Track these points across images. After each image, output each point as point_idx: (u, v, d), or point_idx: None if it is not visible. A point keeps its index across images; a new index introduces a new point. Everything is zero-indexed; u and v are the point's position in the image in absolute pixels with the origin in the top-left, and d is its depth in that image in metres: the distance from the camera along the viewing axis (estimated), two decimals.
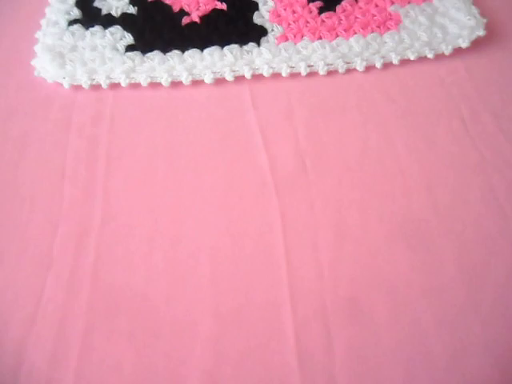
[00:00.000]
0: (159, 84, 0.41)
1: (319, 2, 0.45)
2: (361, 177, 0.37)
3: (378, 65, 0.42)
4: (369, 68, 0.42)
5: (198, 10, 0.45)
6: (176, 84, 0.41)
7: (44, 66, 0.42)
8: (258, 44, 0.42)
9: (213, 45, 0.42)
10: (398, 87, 0.41)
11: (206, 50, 0.42)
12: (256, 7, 0.45)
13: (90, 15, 0.45)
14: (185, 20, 0.44)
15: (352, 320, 0.31)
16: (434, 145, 0.38)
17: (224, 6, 0.45)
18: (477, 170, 0.37)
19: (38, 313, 0.31)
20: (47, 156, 0.38)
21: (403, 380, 0.29)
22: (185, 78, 0.41)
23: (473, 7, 0.44)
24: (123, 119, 0.40)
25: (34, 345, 0.31)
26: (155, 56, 0.42)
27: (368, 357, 0.30)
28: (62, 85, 0.41)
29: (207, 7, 0.45)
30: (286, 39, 0.43)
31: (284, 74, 0.41)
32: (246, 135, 0.39)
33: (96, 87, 0.41)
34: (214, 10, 0.45)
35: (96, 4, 0.46)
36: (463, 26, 0.43)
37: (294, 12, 0.44)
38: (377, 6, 0.45)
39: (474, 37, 0.42)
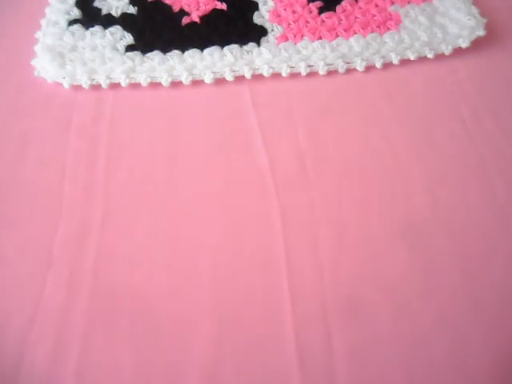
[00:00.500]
0: (159, 84, 0.41)
1: (319, 1, 0.45)
2: (361, 177, 0.37)
3: (378, 65, 0.42)
4: (369, 68, 0.42)
5: (198, 9, 0.45)
6: (176, 84, 0.41)
7: (44, 66, 0.42)
8: (258, 44, 0.42)
9: (213, 45, 0.42)
10: (398, 87, 0.41)
11: (206, 50, 0.42)
12: (256, 7, 0.45)
13: (89, 15, 0.45)
14: (185, 20, 0.44)
15: (352, 320, 0.31)
16: (434, 145, 0.38)
17: (224, 6, 0.45)
18: (477, 169, 0.37)
19: (38, 312, 0.31)
20: (47, 156, 0.38)
21: (403, 380, 0.29)
22: (185, 78, 0.41)
23: (473, 7, 0.44)
24: (123, 119, 0.40)
25: (33, 344, 0.31)
26: (155, 56, 0.42)
27: (368, 357, 0.30)
28: (62, 85, 0.41)
29: (207, 7, 0.45)
30: (286, 39, 0.43)
31: (284, 74, 0.41)
32: (246, 135, 0.39)
33: (96, 87, 0.41)
34: (214, 10, 0.45)
35: (96, 4, 0.46)
36: (463, 26, 0.43)
37: (294, 12, 0.44)
38: (377, 5, 0.45)
39: (473, 37, 0.42)
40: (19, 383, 0.30)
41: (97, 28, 0.44)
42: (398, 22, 0.43)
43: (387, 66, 0.42)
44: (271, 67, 0.41)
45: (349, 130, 0.39)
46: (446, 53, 0.42)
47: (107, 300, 0.32)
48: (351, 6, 0.45)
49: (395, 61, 0.42)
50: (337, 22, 0.43)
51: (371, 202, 0.35)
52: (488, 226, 0.34)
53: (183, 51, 0.42)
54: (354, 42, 0.42)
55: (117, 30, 0.44)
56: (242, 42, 0.42)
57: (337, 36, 0.43)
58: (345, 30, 0.43)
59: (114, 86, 0.41)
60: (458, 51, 0.43)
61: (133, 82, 0.41)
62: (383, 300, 0.31)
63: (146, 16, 0.45)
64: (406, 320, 0.31)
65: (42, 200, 0.36)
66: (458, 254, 0.33)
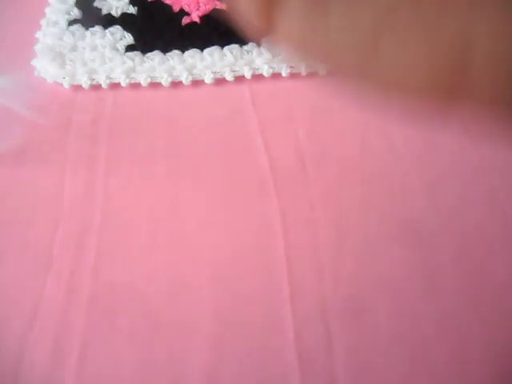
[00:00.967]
0: (159, 84, 0.41)
1: None
2: (361, 177, 0.37)
3: None
4: None
5: (198, 10, 0.45)
6: (176, 84, 0.41)
7: (44, 66, 0.42)
8: (258, 44, 0.42)
9: (213, 45, 0.42)
10: None
11: (206, 50, 0.42)
12: None
13: (90, 15, 0.45)
14: (185, 20, 0.44)
15: (352, 320, 0.31)
16: (434, 145, 0.38)
17: (224, 6, 0.45)
18: (477, 169, 0.37)
19: (38, 312, 0.31)
20: (47, 156, 0.38)
21: (403, 380, 0.29)
22: (185, 78, 0.41)
23: None
24: (123, 119, 0.40)
25: (33, 344, 0.31)
26: (155, 56, 0.42)
27: (368, 357, 0.30)
28: (62, 85, 0.41)
29: (207, 7, 0.45)
30: None
31: (284, 74, 0.41)
32: (246, 135, 0.39)
33: (96, 87, 0.41)
34: (214, 10, 0.45)
35: (96, 4, 0.46)
36: None
37: None
38: None
39: None
40: (19, 383, 0.30)
41: (97, 28, 0.44)
42: None
43: None
44: (271, 67, 0.41)
45: (349, 129, 0.39)
46: None
47: (107, 300, 0.32)
48: None
49: None
50: None
51: (371, 202, 0.35)
52: (488, 226, 0.34)
53: (183, 51, 0.42)
54: None
55: (117, 30, 0.44)
56: (242, 42, 0.42)
57: None
58: None
59: (114, 85, 0.41)
60: None
61: (133, 82, 0.41)
62: (383, 300, 0.31)
63: (146, 16, 0.45)
64: (406, 320, 0.31)
65: (42, 200, 0.36)
66: (458, 253, 0.33)
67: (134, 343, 0.31)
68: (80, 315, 0.31)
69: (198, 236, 0.34)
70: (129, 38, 0.43)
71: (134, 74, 0.41)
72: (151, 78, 0.41)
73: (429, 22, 0.14)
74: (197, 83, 0.42)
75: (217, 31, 0.43)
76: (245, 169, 0.37)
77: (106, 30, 0.44)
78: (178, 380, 0.30)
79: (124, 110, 0.41)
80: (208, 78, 0.41)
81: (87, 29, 0.44)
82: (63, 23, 0.44)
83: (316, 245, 0.34)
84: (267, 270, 0.33)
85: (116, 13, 0.45)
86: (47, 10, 0.46)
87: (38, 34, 0.44)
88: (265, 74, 0.41)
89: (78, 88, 0.41)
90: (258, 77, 0.42)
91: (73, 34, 0.43)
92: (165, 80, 0.41)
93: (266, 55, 0.42)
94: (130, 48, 0.42)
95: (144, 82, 0.41)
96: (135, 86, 0.41)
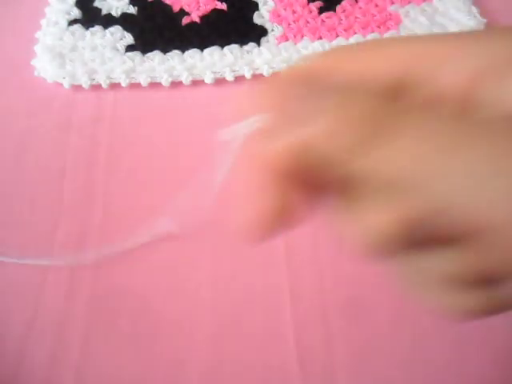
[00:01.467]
0: (159, 84, 0.41)
1: (319, 1, 0.45)
2: None
3: None
4: None
5: (198, 10, 0.45)
6: (176, 84, 0.41)
7: (44, 66, 0.42)
8: (258, 44, 0.42)
9: (213, 45, 0.42)
10: None
11: (206, 50, 0.42)
12: (256, 7, 0.45)
13: (90, 15, 0.45)
14: (185, 20, 0.44)
15: (352, 320, 0.31)
16: None
17: (224, 6, 0.45)
18: None
19: (38, 313, 0.31)
20: (47, 156, 0.38)
21: (403, 379, 0.29)
22: (185, 78, 0.41)
23: (473, 7, 0.44)
24: (123, 119, 0.40)
25: (34, 345, 0.31)
26: (155, 56, 0.42)
27: (368, 357, 0.30)
28: (62, 85, 0.41)
29: (207, 7, 0.45)
30: (286, 39, 0.43)
31: None
32: None
33: (96, 87, 0.41)
34: (214, 10, 0.45)
35: (96, 4, 0.46)
36: (463, 26, 0.43)
37: (294, 12, 0.44)
38: (377, 5, 0.45)
39: None
40: (19, 383, 0.30)
41: (97, 28, 0.44)
42: (398, 22, 0.43)
43: None
44: (271, 67, 0.41)
45: None
46: None
47: (107, 300, 0.32)
48: (351, 5, 0.45)
49: None
50: (337, 22, 0.43)
51: None
52: None
53: (183, 51, 0.42)
54: (354, 42, 0.42)
55: (117, 29, 0.44)
56: (242, 42, 0.42)
57: (337, 36, 0.43)
58: (345, 30, 0.43)
59: (114, 85, 0.41)
60: None
61: (133, 82, 0.41)
62: (383, 300, 0.31)
63: (146, 16, 0.45)
64: (406, 320, 0.31)
65: (42, 200, 0.36)
66: None
67: (134, 343, 0.30)
68: (80, 315, 0.31)
69: (198, 235, 0.34)
70: (129, 38, 0.43)
71: (133, 73, 0.41)
72: (151, 78, 0.41)
73: None
74: (197, 83, 0.42)
75: (217, 31, 0.43)
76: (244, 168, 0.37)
77: (106, 30, 0.43)
78: (178, 380, 0.30)
79: (124, 110, 0.41)
80: (208, 78, 0.41)
81: (87, 29, 0.44)
82: (63, 23, 0.44)
83: (316, 245, 0.34)
84: (267, 270, 0.33)
85: (116, 13, 0.45)
86: (47, 10, 0.46)
87: (38, 34, 0.44)
88: (265, 73, 0.41)
89: (77, 88, 0.41)
90: (258, 77, 0.42)
91: (73, 34, 0.43)
92: (165, 80, 0.41)
93: (266, 55, 0.42)
94: (129, 48, 0.42)
95: (144, 82, 0.41)
96: (135, 85, 0.41)
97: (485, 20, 0.43)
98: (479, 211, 0.14)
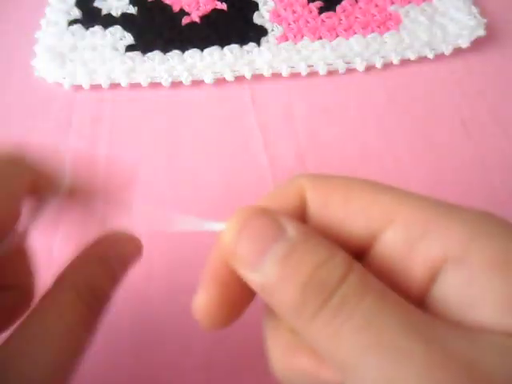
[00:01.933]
0: (159, 84, 0.41)
1: (319, 1, 0.45)
2: (361, 176, 0.36)
3: (378, 65, 0.42)
4: (369, 68, 0.42)
5: (198, 10, 0.45)
6: (176, 84, 0.41)
7: (44, 66, 0.42)
8: (258, 44, 0.42)
9: (213, 45, 0.42)
10: (398, 87, 0.41)
11: (206, 50, 0.42)
12: (256, 7, 0.45)
13: (89, 15, 0.45)
14: (185, 20, 0.44)
15: None
16: (434, 145, 0.38)
17: (224, 6, 0.45)
18: (477, 170, 0.37)
19: None
20: (47, 156, 0.38)
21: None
22: (185, 78, 0.41)
23: (473, 7, 0.44)
24: (123, 119, 0.40)
25: None
26: (155, 56, 0.42)
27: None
28: (62, 85, 0.41)
29: (207, 7, 0.45)
30: (286, 39, 0.43)
31: (284, 74, 0.41)
32: (246, 135, 0.39)
33: (96, 87, 0.41)
34: (214, 10, 0.45)
35: (96, 4, 0.46)
36: (463, 26, 0.43)
37: (294, 12, 0.44)
38: (377, 5, 0.45)
39: (473, 37, 0.42)
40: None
41: (97, 28, 0.44)
42: (398, 22, 0.43)
43: (387, 65, 0.42)
44: (271, 67, 0.41)
45: (349, 129, 0.39)
46: (446, 53, 0.42)
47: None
48: (351, 5, 0.45)
49: (395, 61, 0.42)
50: (337, 22, 0.43)
51: None
52: None
53: (183, 51, 0.42)
54: (354, 42, 0.42)
55: (117, 29, 0.44)
56: (242, 41, 0.42)
57: (337, 36, 0.43)
58: (345, 30, 0.43)
59: (114, 86, 0.41)
60: (457, 51, 0.43)
61: (133, 82, 0.41)
62: None
63: (146, 16, 0.45)
64: None
65: None
66: None
67: (134, 343, 0.30)
68: None
69: (197, 237, 0.34)
70: (129, 38, 0.43)
71: (133, 73, 0.41)
72: (151, 78, 0.41)
73: None
74: (197, 83, 0.42)
75: (217, 31, 0.43)
76: (245, 168, 0.37)
77: (106, 30, 0.43)
78: (178, 380, 0.30)
79: (124, 109, 0.41)
80: (208, 78, 0.41)
81: (87, 29, 0.44)
82: (63, 23, 0.44)
83: None
84: None
85: (116, 13, 0.45)
86: (47, 10, 0.46)
87: (38, 34, 0.44)
88: (265, 73, 0.41)
89: (78, 88, 0.41)
90: (258, 77, 0.42)
91: (73, 34, 0.43)
92: (165, 80, 0.41)
93: (266, 55, 0.42)
94: (129, 48, 0.42)
95: (144, 82, 0.41)
96: (135, 85, 0.41)
97: (485, 20, 0.43)
98: None
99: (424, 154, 0.37)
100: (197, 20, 0.44)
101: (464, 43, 0.42)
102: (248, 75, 0.41)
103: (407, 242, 0.17)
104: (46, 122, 0.40)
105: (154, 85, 0.41)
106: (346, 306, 0.15)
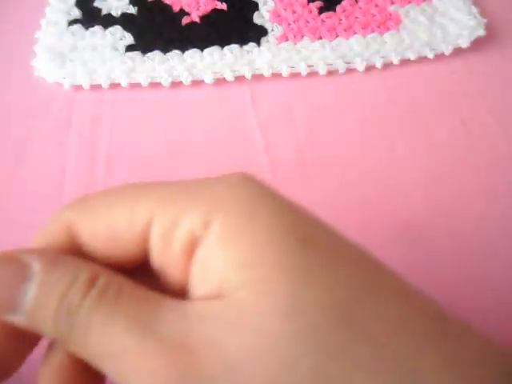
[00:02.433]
0: (159, 84, 0.41)
1: (319, 1, 0.45)
2: (361, 177, 0.37)
3: (378, 65, 0.42)
4: (369, 68, 0.42)
5: (198, 10, 0.45)
6: (176, 84, 0.41)
7: (44, 66, 0.42)
8: (258, 44, 0.42)
9: (213, 45, 0.42)
10: (398, 87, 0.41)
11: (206, 50, 0.42)
12: (256, 7, 0.45)
13: (90, 15, 0.45)
14: (185, 20, 0.44)
15: None
16: (434, 145, 0.38)
17: (224, 6, 0.45)
18: (477, 170, 0.37)
19: None
20: (47, 156, 0.38)
21: None
22: (185, 78, 0.41)
23: (473, 7, 0.44)
24: (123, 119, 0.40)
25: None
26: (155, 56, 0.42)
27: None
28: (62, 85, 0.41)
29: (207, 7, 0.45)
30: (286, 39, 0.43)
31: (284, 74, 0.41)
32: (246, 135, 0.39)
33: (96, 87, 0.41)
34: (214, 10, 0.45)
35: (96, 4, 0.46)
36: (463, 26, 0.43)
37: (294, 12, 0.44)
38: (377, 5, 0.45)
39: (473, 37, 0.42)
40: (20, 382, 0.30)
41: (97, 28, 0.44)
42: (398, 22, 0.43)
43: (387, 65, 0.42)
44: (271, 67, 0.41)
45: (349, 129, 0.39)
46: (446, 53, 0.42)
47: None
48: (351, 5, 0.45)
49: (395, 61, 0.42)
50: (337, 22, 0.43)
51: (371, 202, 0.35)
52: (488, 227, 0.34)
53: (183, 51, 0.42)
54: (354, 42, 0.42)
55: (117, 29, 0.44)
56: (242, 41, 0.42)
57: (337, 36, 0.43)
58: (345, 30, 0.43)
59: (114, 86, 0.41)
60: (457, 51, 0.43)
61: (133, 82, 0.41)
62: None
63: (146, 16, 0.45)
64: None
65: (42, 200, 0.36)
66: (458, 254, 0.33)
67: None
68: None
69: None
70: (129, 38, 0.43)
71: (134, 73, 0.41)
72: (151, 78, 0.41)
73: None
74: (197, 83, 0.42)
75: (217, 31, 0.43)
76: (245, 168, 0.37)
77: (106, 30, 0.43)
78: None
79: (124, 110, 0.41)
80: (208, 78, 0.41)
81: (87, 29, 0.44)
82: (63, 23, 0.44)
83: None
84: None
85: (116, 13, 0.45)
86: (47, 10, 0.46)
87: (38, 34, 0.44)
88: (265, 73, 0.41)
89: (78, 88, 0.41)
90: (257, 77, 0.42)
91: (73, 34, 0.43)
92: (165, 80, 0.41)
93: (266, 55, 0.42)
94: (129, 48, 0.42)
95: (144, 82, 0.41)
96: (135, 85, 0.41)
97: (485, 20, 0.43)
98: None
99: (424, 153, 0.37)
100: (197, 20, 0.44)
101: (464, 43, 0.42)
102: (248, 75, 0.41)
103: (164, 235, 0.18)
104: (45, 122, 0.40)
105: (154, 85, 0.41)
106: (84, 322, 0.16)
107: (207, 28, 0.44)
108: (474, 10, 0.44)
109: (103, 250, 0.19)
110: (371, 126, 0.39)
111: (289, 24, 0.44)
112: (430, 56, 0.42)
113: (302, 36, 0.43)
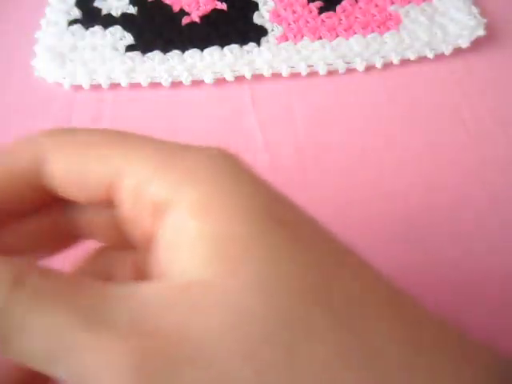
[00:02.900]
0: (159, 84, 0.41)
1: (319, 1, 0.45)
2: (361, 177, 0.37)
3: (378, 65, 0.42)
4: (369, 68, 0.42)
5: (198, 10, 0.45)
6: (176, 84, 0.41)
7: (44, 66, 0.42)
8: (258, 44, 0.42)
9: (213, 45, 0.42)
10: (398, 87, 0.41)
11: (206, 50, 0.42)
12: (256, 7, 0.45)
13: (90, 15, 0.45)
14: (185, 20, 0.44)
15: None
16: (434, 145, 0.38)
17: (224, 6, 0.45)
18: (477, 170, 0.37)
19: None
20: None
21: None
22: (185, 78, 0.41)
23: (473, 7, 0.44)
24: (123, 119, 0.40)
25: None
26: (155, 56, 0.42)
27: None
28: (62, 85, 0.41)
29: (207, 7, 0.45)
30: (286, 39, 0.43)
31: (284, 74, 0.41)
32: (246, 135, 0.39)
33: (96, 87, 0.41)
34: (214, 10, 0.45)
35: (96, 4, 0.46)
36: (463, 26, 0.43)
37: (294, 12, 0.44)
38: (377, 5, 0.45)
39: (473, 37, 0.42)
40: None
41: (97, 28, 0.44)
42: (398, 22, 0.43)
43: (387, 65, 0.42)
44: (271, 67, 0.41)
45: (349, 129, 0.39)
46: (446, 53, 0.42)
47: None
48: (351, 5, 0.45)
49: (395, 61, 0.42)
50: (337, 22, 0.44)
51: (371, 202, 0.35)
52: (489, 227, 0.34)
53: (183, 51, 0.42)
54: (354, 42, 0.42)
55: (117, 29, 0.44)
56: (242, 41, 0.42)
57: (337, 36, 0.43)
58: (345, 30, 0.43)
59: (114, 86, 0.41)
60: (457, 51, 0.43)
61: (133, 82, 0.41)
62: None
63: (146, 16, 0.45)
64: None
65: None
66: (458, 254, 0.33)
67: None
68: None
69: None
70: (129, 38, 0.43)
71: (134, 73, 0.41)
72: (151, 78, 0.41)
73: None
74: (197, 83, 0.42)
75: (217, 31, 0.43)
76: None
77: (106, 30, 0.44)
78: None
79: (124, 110, 0.41)
80: (208, 78, 0.41)
81: (87, 29, 0.44)
82: (63, 23, 0.44)
83: None
84: None
85: (116, 13, 0.45)
86: (47, 10, 0.46)
87: (38, 34, 0.44)
88: (265, 73, 0.41)
89: (78, 88, 0.41)
90: (257, 77, 0.42)
91: (73, 34, 0.43)
92: (165, 80, 0.41)
93: (266, 55, 0.42)
94: (129, 48, 0.42)
95: (144, 82, 0.41)
96: (135, 86, 0.41)
97: (485, 20, 0.43)
98: None
99: (424, 153, 0.37)
100: (197, 20, 0.44)
101: (464, 43, 0.42)
102: (248, 75, 0.41)
103: (136, 189, 0.17)
104: (45, 122, 0.40)
105: (154, 85, 0.41)
106: (19, 324, 0.15)
107: (207, 28, 0.44)
108: (474, 10, 0.44)
109: (66, 188, 0.18)
110: (371, 126, 0.39)
111: (289, 24, 0.44)
112: (430, 56, 0.42)
113: (302, 36, 0.43)
